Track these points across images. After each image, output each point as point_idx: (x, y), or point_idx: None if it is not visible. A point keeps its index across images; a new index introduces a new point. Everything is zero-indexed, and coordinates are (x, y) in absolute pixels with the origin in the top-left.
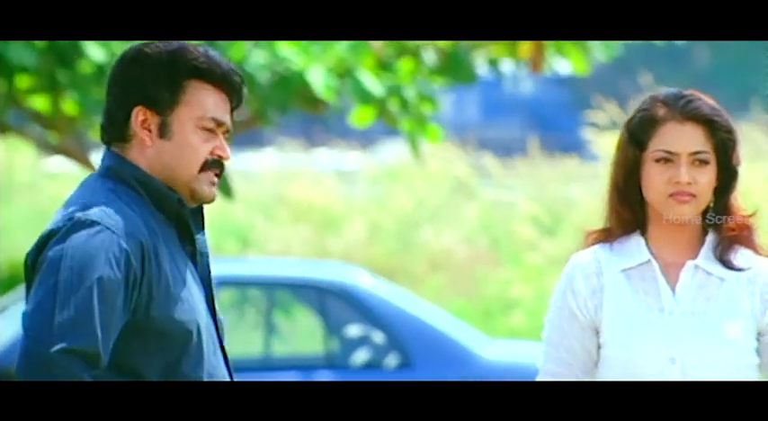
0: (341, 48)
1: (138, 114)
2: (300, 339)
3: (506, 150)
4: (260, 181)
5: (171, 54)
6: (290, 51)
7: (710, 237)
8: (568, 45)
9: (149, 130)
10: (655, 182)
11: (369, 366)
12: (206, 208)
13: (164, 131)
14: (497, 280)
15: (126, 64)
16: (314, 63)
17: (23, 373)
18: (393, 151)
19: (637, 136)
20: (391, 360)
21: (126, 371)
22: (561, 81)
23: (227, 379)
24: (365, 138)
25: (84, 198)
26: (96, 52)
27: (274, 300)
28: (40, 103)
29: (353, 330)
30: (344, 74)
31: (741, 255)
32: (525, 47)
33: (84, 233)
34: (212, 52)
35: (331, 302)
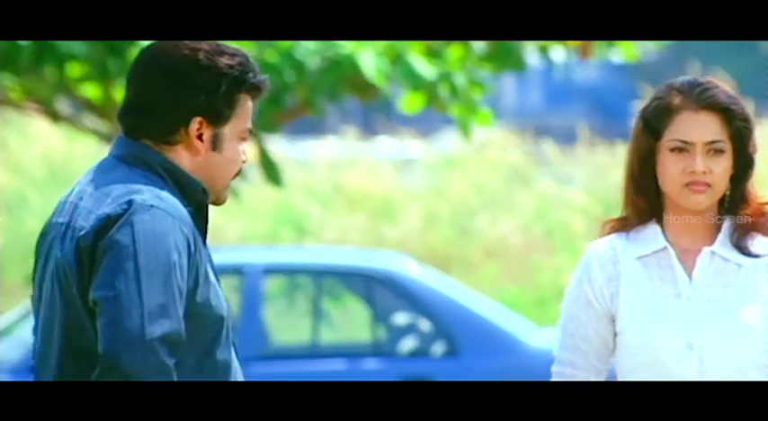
0: None
1: (196, 124)
2: (348, 327)
3: (568, 137)
4: (319, 169)
5: (231, 68)
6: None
7: (727, 224)
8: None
9: (202, 140)
10: (670, 171)
11: (415, 354)
12: (264, 195)
13: (216, 144)
14: (552, 268)
15: (184, 67)
16: (364, 47)
17: (118, 361)
18: (453, 139)
19: (652, 125)
20: (438, 348)
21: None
22: (626, 67)
23: (239, 368)
24: (426, 127)
25: (126, 184)
26: (146, 41)
27: (323, 287)
28: (91, 91)
29: (400, 318)
30: (395, 59)
31: (758, 242)
32: None
33: (148, 217)
34: (251, 58)
35: (378, 290)
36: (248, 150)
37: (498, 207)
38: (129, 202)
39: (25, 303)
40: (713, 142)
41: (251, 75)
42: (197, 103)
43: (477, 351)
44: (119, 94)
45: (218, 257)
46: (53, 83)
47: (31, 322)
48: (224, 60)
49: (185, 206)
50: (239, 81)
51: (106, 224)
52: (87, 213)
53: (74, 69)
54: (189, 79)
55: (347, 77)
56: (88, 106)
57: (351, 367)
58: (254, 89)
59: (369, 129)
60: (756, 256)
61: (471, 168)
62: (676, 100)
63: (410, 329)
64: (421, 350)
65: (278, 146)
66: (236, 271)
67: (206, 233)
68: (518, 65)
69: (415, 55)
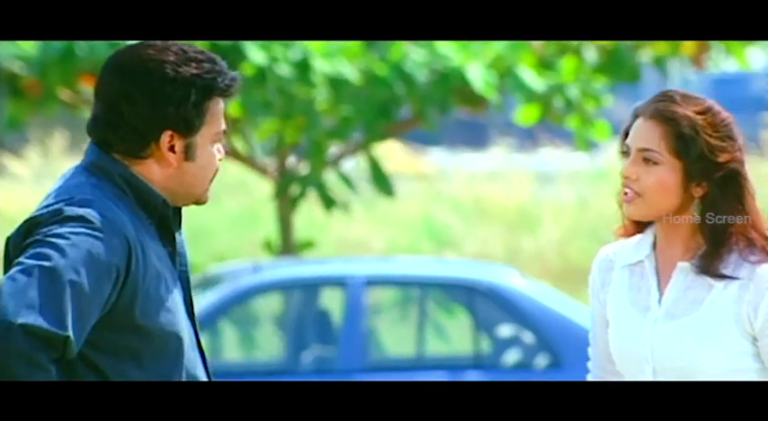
0: (499, 46)
1: (167, 137)
2: (451, 339)
3: None
4: (473, 181)
5: (198, 76)
6: (448, 48)
7: (707, 242)
8: (734, 42)
9: (174, 152)
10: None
11: (518, 367)
12: (410, 208)
13: (189, 154)
14: None
15: (151, 81)
16: (472, 59)
17: None
18: (613, 152)
19: (625, 130)
20: (541, 360)
21: (91, 367)
22: None
23: (205, 378)
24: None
25: (70, 192)
26: (257, 55)
27: (425, 299)
28: None
29: (503, 330)
30: (505, 72)
31: (734, 261)
32: (688, 44)
33: (70, 225)
34: (220, 59)
35: (481, 302)
36: (222, 148)
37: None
38: (58, 211)
39: None
40: (644, 150)
41: (219, 79)
42: (166, 117)
43: (581, 363)
44: (232, 106)
45: (322, 269)
46: None
47: None
48: (191, 69)
49: (147, 218)
50: (208, 89)
51: (30, 227)
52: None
53: None
54: (157, 94)
55: (456, 89)
56: None
57: (453, 379)
58: (225, 92)
59: (533, 141)
60: (731, 278)
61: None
62: (639, 108)
63: (513, 341)
64: (524, 362)
65: (438, 157)
66: (339, 282)
67: (173, 244)
68: (632, 76)
69: (525, 67)
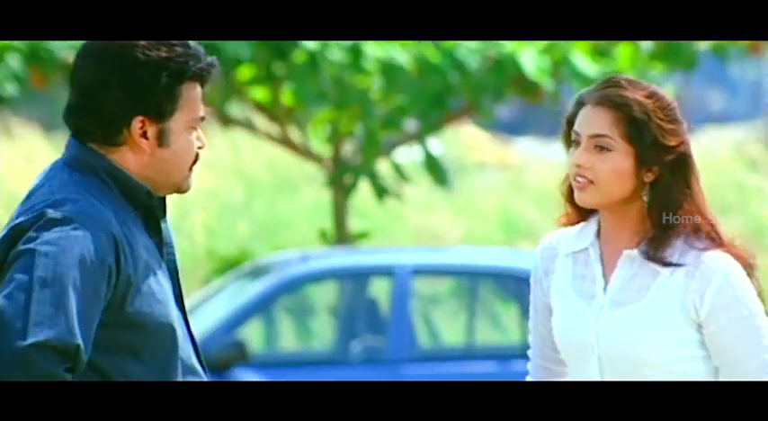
0: None
1: (138, 123)
2: (501, 328)
3: None
4: (556, 171)
5: (169, 60)
6: None
7: (654, 228)
8: None
9: (147, 139)
10: (568, 164)
11: None
12: (490, 198)
13: (162, 140)
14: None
15: (120, 66)
16: (525, 46)
17: None
18: (710, 139)
19: (569, 118)
20: None
21: (90, 366)
22: None
23: (198, 367)
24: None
25: (53, 191)
26: (310, 43)
27: (474, 289)
28: (260, 94)
29: None
30: (559, 59)
31: (680, 247)
32: None
33: (56, 230)
34: (194, 44)
35: (530, 291)
36: (203, 136)
37: (717, 206)
38: (41, 214)
39: None
40: (597, 136)
41: (192, 62)
42: (136, 102)
43: None
44: (286, 96)
45: (369, 259)
46: (222, 87)
47: None
48: (161, 53)
49: (132, 210)
50: (180, 72)
51: (16, 235)
52: (10, 220)
53: (243, 73)
54: (127, 78)
55: (511, 78)
56: (258, 109)
57: (502, 369)
58: (199, 76)
59: None
60: (677, 265)
61: (714, 169)
62: (585, 95)
63: None
64: None
65: (525, 146)
66: (387, 272)
67: (160, 234)
68: (689, 63)
69: (580, 54)
